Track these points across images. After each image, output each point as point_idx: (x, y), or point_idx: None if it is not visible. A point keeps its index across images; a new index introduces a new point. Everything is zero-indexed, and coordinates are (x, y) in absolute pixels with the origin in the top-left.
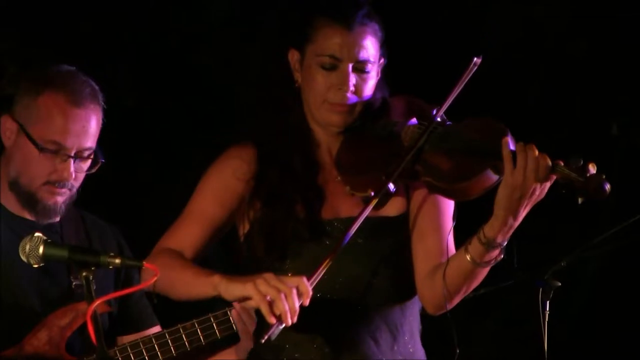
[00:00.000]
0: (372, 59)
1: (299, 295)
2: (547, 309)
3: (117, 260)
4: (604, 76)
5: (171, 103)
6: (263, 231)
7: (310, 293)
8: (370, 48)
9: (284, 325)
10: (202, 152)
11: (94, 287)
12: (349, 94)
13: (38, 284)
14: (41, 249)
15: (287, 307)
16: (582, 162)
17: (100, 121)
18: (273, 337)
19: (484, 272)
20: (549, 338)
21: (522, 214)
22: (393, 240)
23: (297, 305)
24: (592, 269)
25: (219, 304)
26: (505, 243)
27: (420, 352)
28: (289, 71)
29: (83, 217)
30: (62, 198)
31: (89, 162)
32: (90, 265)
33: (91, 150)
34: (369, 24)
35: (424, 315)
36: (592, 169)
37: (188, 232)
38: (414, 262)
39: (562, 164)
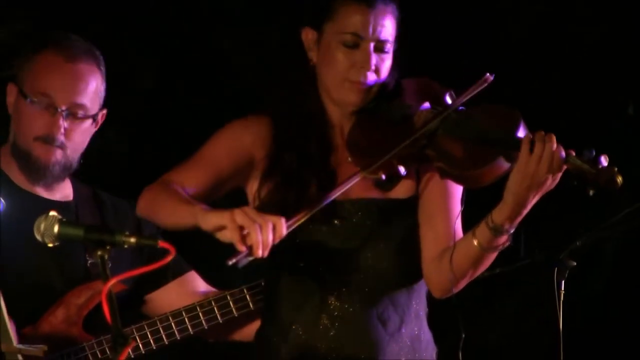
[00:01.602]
0: (391, 39)
1: (274, 234)
2: (563, 289)
3: (133, 240)
4: (621, 58)
5: (188, 88)
6: (275, 210)
7: (284, 234)
8: (390, 28)
9: (253, 257)
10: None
11: (110, 266)
12: (369, 73)
13: (55, 262)
14: (56, 228)
15: (260, 239)
16: (594, 154)
17: (99, 82)
18: (240, 265)
19: (490, 258)
20: (566, 321)
21: (532, 201)
22: (402, 222)
23: (270, 239)
24: (611, 250)
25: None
26: (513, 230)
27: (426, 334)
28: (303, 51)
29: (99, 195)
30: (55, 157)
31: (86, 123)
32: (106, 244)
33: (86, 110)
34: (389, 4)
35: (432, 299)
36: (605, 161)
37: (192, 176)
38: (422, 245)
39: (574, 154)
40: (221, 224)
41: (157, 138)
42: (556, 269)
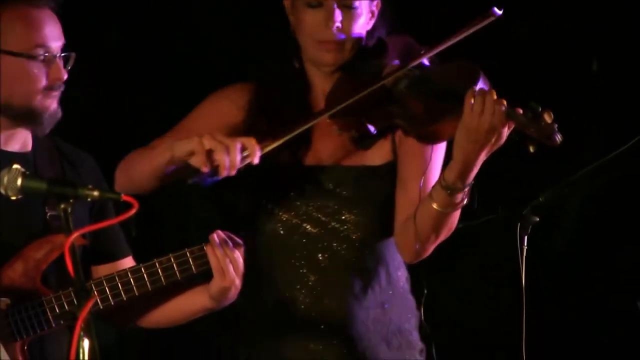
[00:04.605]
0: None
1: (245, 152)
2: (526, 245)
3: (96, 193)
4: (583, 13)
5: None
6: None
7: (257, 151)
8: None
9: (218, 177)
10: None
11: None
12: (335, 31)
13: (13, 215)
14: (19, 181)
15: (226, 159)
16: (540, 110)
17: None
18: (204, 185)
19: (452, 219)
20: (528, 277)
21: (480, 158)
22: (375, 189)
23: (237, 159)
24: (574, 206)
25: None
26: (467, 188)
27: (401, 295)
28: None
29: (60, 147)
30: (56, 102)
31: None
32: (69, 197)
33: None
34: None
35: None
36: (547, 117)
37: None
38: (395, 209)
39: (521, 111)
40: (191, 148)
41: (128, 95)
42: (519, 224)
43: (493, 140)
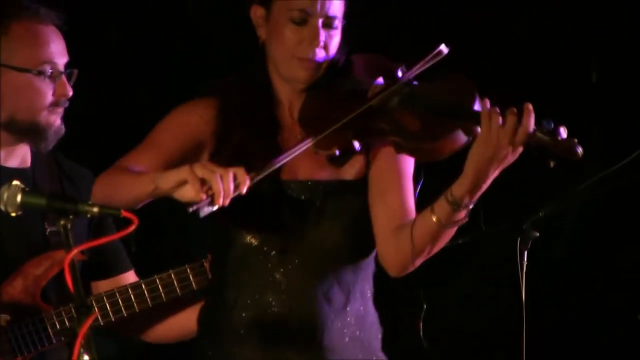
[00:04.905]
0: (339, 15)
1: (236, 183)
2: (526, 260)
3: (95, 209)
4: (583, 13)
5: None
6: None
7: (247, 182)
8: (338, 4)
9: (215, 207)
10: None
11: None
12: (317, 50)
13: (12, 231)
14: (19, 198)
15: (221, 187)
16: (553, 125)
17: None
18: (201, 215)
19: (448, 234)
20: (529, 292)
21: (491, 176)
22: (350, 203)
23: (231, 187)
24: (572, 218)
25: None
26: (472, 206)
27: (372, 314)
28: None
29: (59, 162)
30: (60, 118)
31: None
32: (69, 213)
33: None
34: None
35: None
36: (564, 132)
37: (142, 160)
38: (375, 223)
39: (538, 128)
40: (181, 178)
41: (128, 96)
42: (519, 239)
43: (509, 158)
